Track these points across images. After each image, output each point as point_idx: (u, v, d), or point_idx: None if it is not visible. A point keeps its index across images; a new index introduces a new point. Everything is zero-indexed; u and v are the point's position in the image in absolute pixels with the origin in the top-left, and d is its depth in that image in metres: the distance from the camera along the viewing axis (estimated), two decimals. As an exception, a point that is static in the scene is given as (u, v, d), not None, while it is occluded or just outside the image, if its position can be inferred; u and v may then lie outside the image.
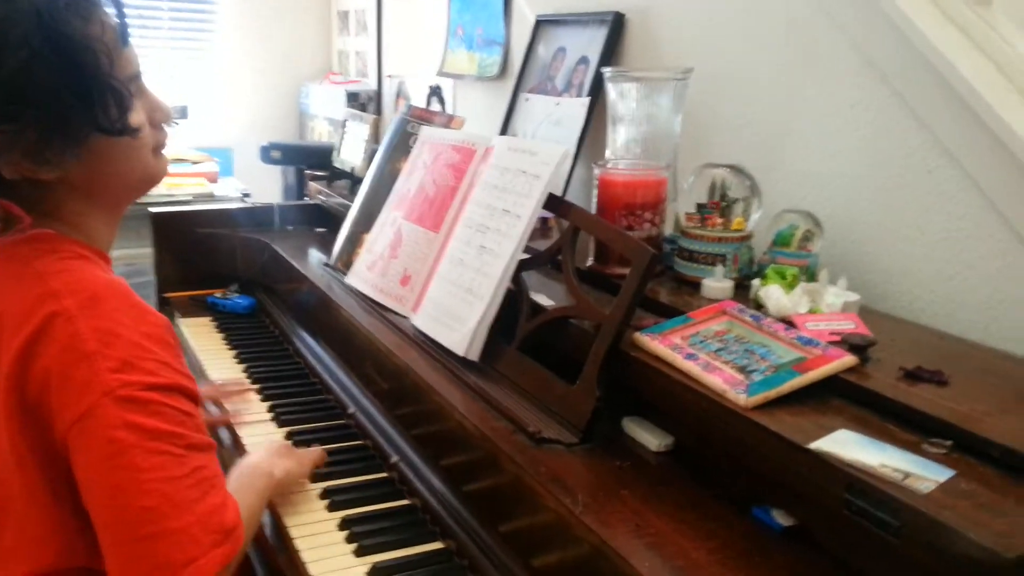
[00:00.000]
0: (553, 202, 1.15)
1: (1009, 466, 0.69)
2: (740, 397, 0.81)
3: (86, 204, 0.88)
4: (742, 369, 0.86)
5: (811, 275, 1.07)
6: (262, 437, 1.27)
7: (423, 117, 1.63)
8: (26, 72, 0.76)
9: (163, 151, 0.95)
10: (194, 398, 0.81)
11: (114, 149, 0.85)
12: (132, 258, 2.36)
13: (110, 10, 0.85)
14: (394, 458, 1.17)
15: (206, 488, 0.77)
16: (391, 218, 1.48)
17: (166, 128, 0.94)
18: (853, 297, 1.01)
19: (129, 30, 0.86)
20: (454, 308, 1.20)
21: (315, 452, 1.17)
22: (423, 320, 1.26)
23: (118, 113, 0.82)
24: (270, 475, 1.04)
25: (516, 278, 1.16)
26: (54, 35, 0.77)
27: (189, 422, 0.79)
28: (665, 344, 0.94)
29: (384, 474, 1.17)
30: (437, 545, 1.00)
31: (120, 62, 0.84)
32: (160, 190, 2.38)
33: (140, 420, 0.75)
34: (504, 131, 1.86)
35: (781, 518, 0.79)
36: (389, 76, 2.89)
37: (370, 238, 1.52)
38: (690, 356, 0.90)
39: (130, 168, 0.89)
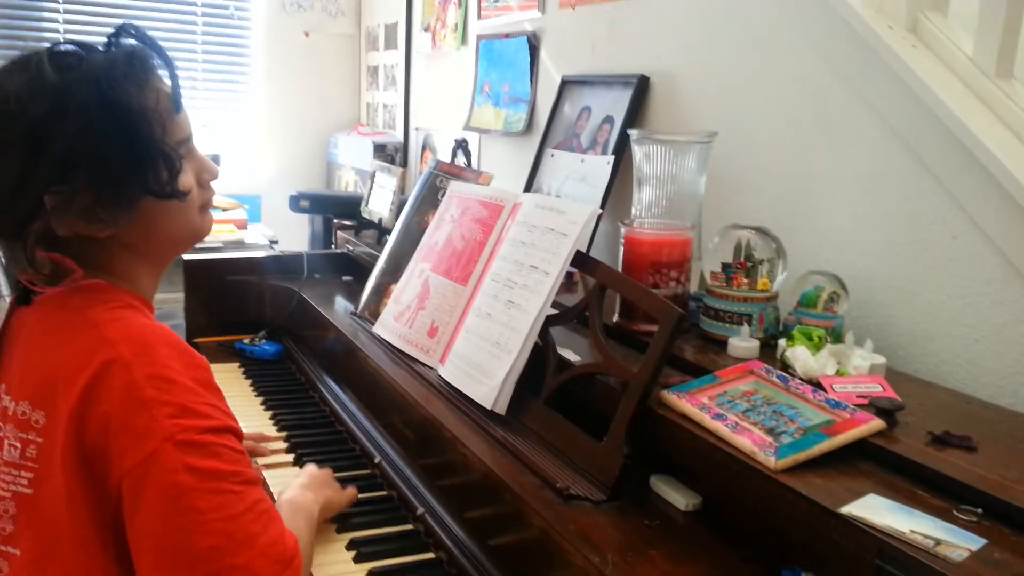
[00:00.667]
0: (580, 260, 1.18)
1: (1041, 536, 0.69)
2: (769, 459, 0.82)
3: (135, 258, 0.91)
4: (771, 431, 0.87)
5: (837, 336, 1.08)
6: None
7: (452, 172, 1.68)
8: (83, 137, 0.80)
9: (209, 209, 0.99)
10: (240, 437, 0.84)
11: (164, 210, 0.88)
12: (161, 302, 2.40)
13: (163, 72, 0.89)
14: (420, 510, 1.17)
15: (265, 521, 0.80)
16: (419, 269, 1.51)
17: (212, 186, 0.98)
18: (880, 360, 1.02)
19: (181, 96, 0.90)
20: (481, 361, 1.22)
21: (352, 490, 1.21)
22: (450, 372, 1.28)
23: (168, 177, 0.86)
24: (315, 504, 1.08)
25: (543, 333, 1.18)
26: (112, 103, 0.82)
27: (243, 459, 0.82)
28: (693, 403, 0.95)
29: (410, 526, 1.17)
30: (463, 600, 1.01)
31: (172, 128, 0.88)
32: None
33: (199, 463, 0.77)
34: (529, 185, 1.90)
35: (811, 582, 0.79)
36: (416, 129, 2.96)
37: (397, 288, 1.55)
38: (718, 416, 0.91)
39: (178, 227, 0.92)
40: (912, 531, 0.70)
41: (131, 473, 0.76)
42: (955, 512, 0.73)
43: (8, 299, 0.93)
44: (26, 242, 0.84)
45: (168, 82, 0.89)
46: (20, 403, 0.83)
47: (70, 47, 0.86)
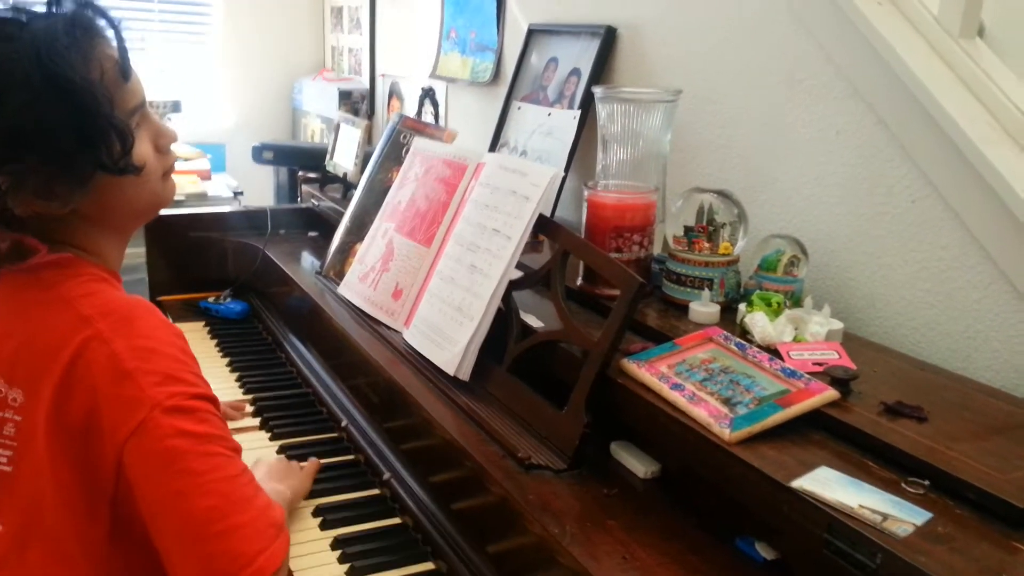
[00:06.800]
0: (543, 224, 1.16)
1: (984, 508, 0.71)
2: (724, 431, 0.83)
3: (97, 231, 0.90)
4: (726, 401, 0.88)
5: (796, 300, 1.09)
6: (257, 451, 1.28)
7: (416, 128, 1.64)
8: (29, 113, 0.78)
9: (171, 174, 0.96)
10: (219, 408, 0.85)
11: (122, 182, 0.86)
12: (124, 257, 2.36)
13: (110, 35, 0.85)
14: (386, 475, 1.18)
15: (256, 487, 0.82)
16: (383, 229, 1.49)
17: (173, 151, 0.95)
18: (837, 325, 1.03)
19: (130, 62, 0.86)
20: (444, 327, 1.21)
21: (313, 464, 1.20)
22: (414, 336, 1.28)
23: (121, 152, 0.83)
24: (286, 492, 1.09)
25: (506, 297, 1.17)
26: (54, 76, 0.78)
27: (227, 428, 0.83)
28: (652, 372, 0.95)
29: (376, 491, 1.18)
30: (428, 566, 1.02)
31: (122, 98, 0.84)
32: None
33: (191, 427, 0.78)
34: (496, 139, 1.87)
35: (764, 551, 0.81)
36: (382, 75, 2.88)
37: (362, 248, 1.53)
38: (676, 386, 0.92)
39: (139, 197, 0.90)
40: (861, 506, 0.71)
41: (127, 445, 0.77)
42: (903, 484, 0.75)
43: None
44: None
45: (115, 46, 0.85)
46: None
47: (8, 14, 0.82)
